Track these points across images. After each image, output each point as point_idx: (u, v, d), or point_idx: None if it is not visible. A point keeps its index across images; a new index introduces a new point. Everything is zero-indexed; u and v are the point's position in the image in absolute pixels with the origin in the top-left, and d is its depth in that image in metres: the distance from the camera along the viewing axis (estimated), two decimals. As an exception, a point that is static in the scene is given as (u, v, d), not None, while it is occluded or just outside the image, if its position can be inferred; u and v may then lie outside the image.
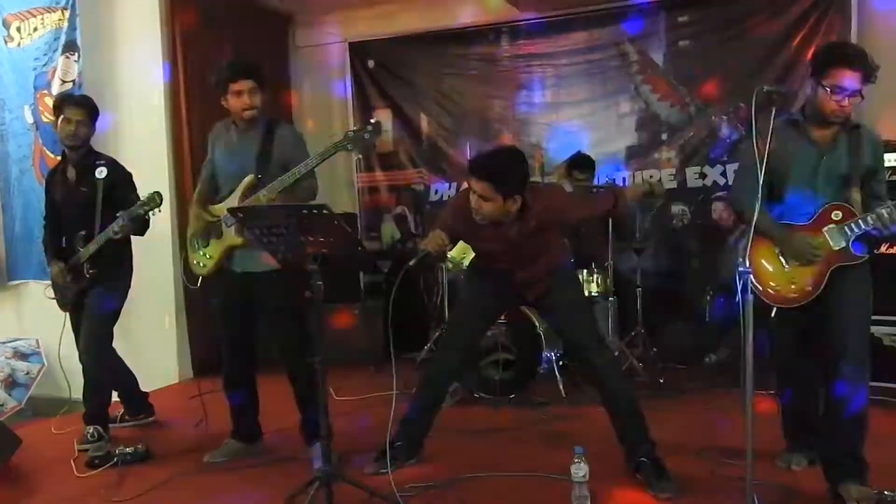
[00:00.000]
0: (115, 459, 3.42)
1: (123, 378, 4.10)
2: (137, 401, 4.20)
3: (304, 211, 2.58)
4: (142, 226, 3.67)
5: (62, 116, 3.67)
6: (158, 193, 3.50)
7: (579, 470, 2.71)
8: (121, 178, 3.74)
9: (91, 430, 3.68)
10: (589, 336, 3.07)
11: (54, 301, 3.90)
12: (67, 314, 3.90)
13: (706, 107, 5.31)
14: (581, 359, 3.14)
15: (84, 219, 3.66)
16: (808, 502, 2.71)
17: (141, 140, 5.12)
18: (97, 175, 3.60)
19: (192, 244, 3.48)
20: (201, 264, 3.42)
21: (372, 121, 3.17)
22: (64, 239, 3.82)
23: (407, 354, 5.67)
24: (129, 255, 3.85)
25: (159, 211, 3.55)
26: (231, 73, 3.25)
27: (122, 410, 4.14)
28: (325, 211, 2.51)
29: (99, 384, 3.77)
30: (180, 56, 5.27)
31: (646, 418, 3.00)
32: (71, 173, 3.77)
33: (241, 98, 3.24)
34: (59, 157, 5.08)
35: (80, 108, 3.69)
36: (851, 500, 2.55)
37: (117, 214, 3.51)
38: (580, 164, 4.93)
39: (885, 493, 2.53)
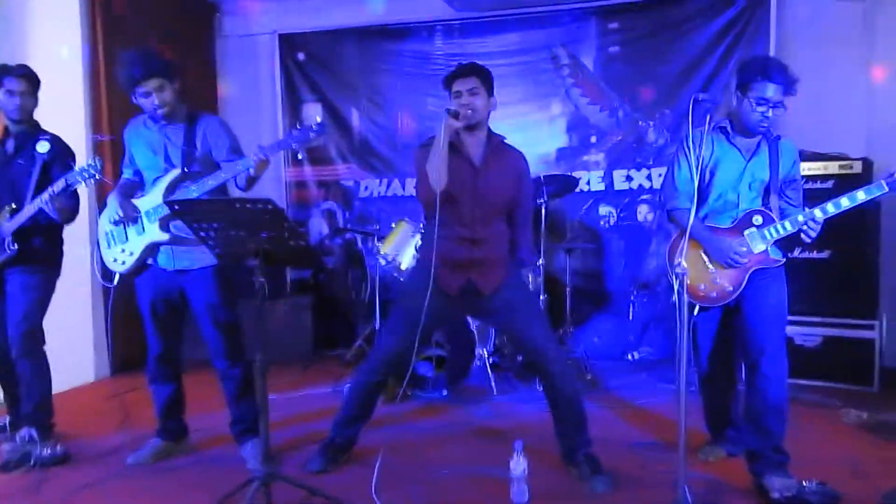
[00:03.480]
0: (32, 462, 3.24)
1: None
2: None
3: (248, 206, 2.50)
4: (73, 207, 3.46)
5: (3, 89, 3.44)
6: (95, 162, 3.26)
7: (518, 465, 2.75)
8: (62, 154, 3.51)
9: (24, 434, 3.39)
10: (547, 340, 3.02)
11: None
12: None
13: (634, 112, 5.47)
14: (537, 363, 3.03)
15: (15, 192, 3.43)
16: (734, 493, 2.83)
17: (56, 127, 4.85)
18: (38, 148, 3.41)
19: (107, 239, 3.31)
20: (119, 261, 3.26)
21: (318, 119, 3.09)
22: None
23: (335, 351, 5.65)
24: (59, 239, 3.61)
25: (95, 180, 3.28)
26: (133, 76, 3.07)
27: (9, 419, 3.77)
28: (269, 206, 2.45)
29: (32, 379, 3.47)
30: (101, 40, 5.03)
31: (587, 420, 3.05)
32: (10, 145, 3.53)
33: (149, 98, 3.09)
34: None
35: (22, 78, 3.47)
36: (774, 490, 2.68)
37: (53, 176, 3.29)
38: None
39: (804, 483, 2.67)
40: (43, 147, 3.43)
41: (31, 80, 3.51)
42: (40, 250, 3.49)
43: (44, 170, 3.43)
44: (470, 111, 2.89)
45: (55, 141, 3.53)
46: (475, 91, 2.93)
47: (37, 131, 3.55)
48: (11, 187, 3.46)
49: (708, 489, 2.85)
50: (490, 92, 2.99)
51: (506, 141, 3.08)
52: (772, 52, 4.96)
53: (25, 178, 3.42)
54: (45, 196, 3.29)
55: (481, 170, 2.96)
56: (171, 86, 3.13)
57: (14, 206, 3.42)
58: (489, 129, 3.04)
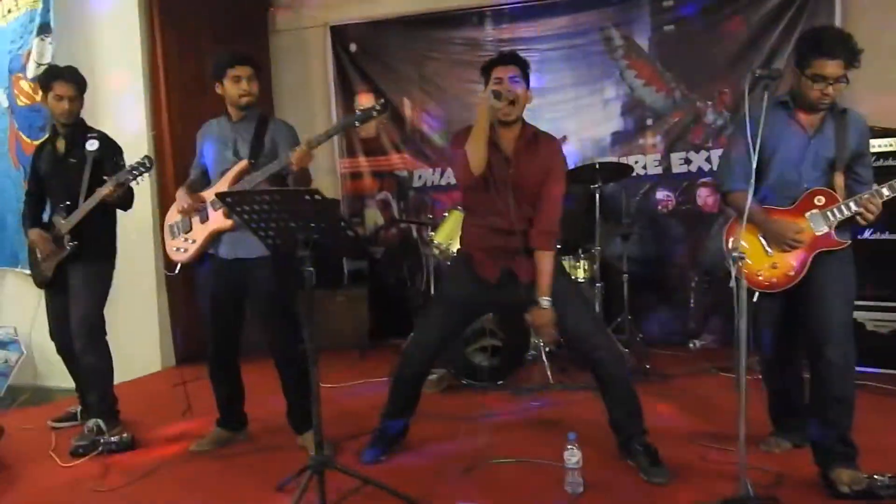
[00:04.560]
0: (100, 448, 3.37)
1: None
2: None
3: (296, 196, 2.53)
4: (128, 196, 3.58)
5: (52, 93, 3.58)
6: (149, 157, 3.41)
7: (573, 456, 2.71)
8: (110, 151, 3.64)
9: (91, 425, 3.51)
10: (592, 328, 2.97)
11: (32, 286, 3.78)
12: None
13: (691, 92, 5.30)
14: (584, 351, 2.97)
15: (69, 192, 3.56)
16: (799, 486, 2.72)
17: (119, 124, 5.01)
18: (88, 147, 3.52)
19: (172, 230, 3.42)
20: (182, 249, 3.35)
21: (380, 100, 3.14)
22: (47, 214, 3.70)
23: (391, 340, 5.68)
24: (113, 233, 3.73)
25: (145, 175, 3.42)
26: (231, 59, 3.23)
27: (79, 408, 3.94)
28: (317, 196, 2.46)
29: (96, 371, 3.61)
30: (159, 38, 5.16)
31: (642, 409, 2.98)
32: (60, 144, 3.67)
33: (239, 84, 3.22)
34: (34, 142, 5.00)
35: (70, 83, 3.60)
36: (843, 484, 2.56)
37: (104, 178, 3.41)
38: None
39: (876, 477, 2.54)
40: (92, 145, 3.54)
41: (78, 84, 3.64)
42: (97, 245, 3.62)
43: (94, 167, 3.54)
44: (511, 102, 2.85)
45: (103, 139, 3.64)
46: (516, 79, 2.90)
47: (85, 130, 3.67)
48: (66, 186, 3.59)
49: (771, 482, 2.75)
50: (527, 84, 2.95)
51: (540, 131, 3.02)
52: (837, 23, 4.73)
53: (78, 177, 3.53)
54: (104, 190, 3.39)
55: (514, 162, 2.94)
56: (256, 80, 3.28)
57: (69, 203, 3.55)
58: (523, 121, 3.00)
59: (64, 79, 3.60)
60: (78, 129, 3.66)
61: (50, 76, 3.64)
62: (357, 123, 3.13)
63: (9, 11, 5.20)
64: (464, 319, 3.25)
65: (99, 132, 3.67)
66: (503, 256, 2.98)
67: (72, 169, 3.58)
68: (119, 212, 3.71)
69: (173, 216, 3.42)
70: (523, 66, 2.94)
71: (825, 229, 2.73)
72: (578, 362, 4.28)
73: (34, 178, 3.79)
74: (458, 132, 3.03)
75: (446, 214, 4.55)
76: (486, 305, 3.31)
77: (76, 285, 3.59)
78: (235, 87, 3.22)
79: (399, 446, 3.26)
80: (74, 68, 3.70)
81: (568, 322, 2.93)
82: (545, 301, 2.90)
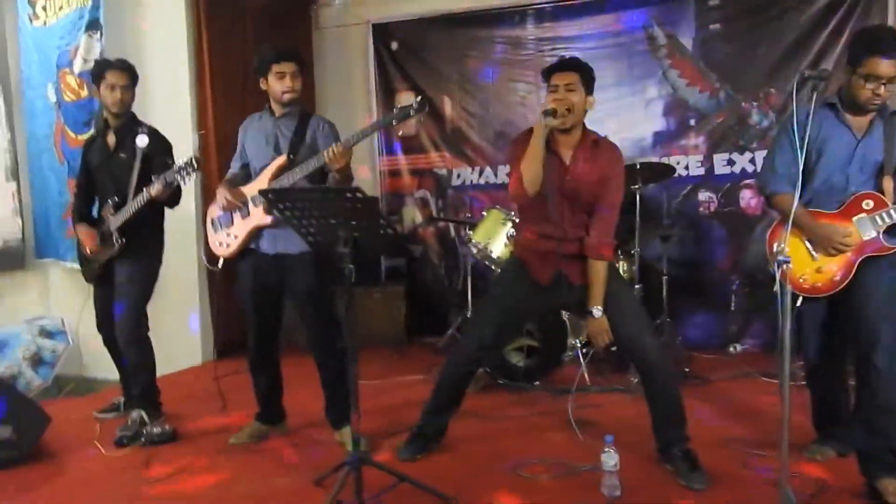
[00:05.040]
0: (143, 439, 3.44)
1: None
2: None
3: (337, 194, 2.55)
4: (177, 193, 3.62)
5: (104, 83, 3.60)
6: (196, 158, 3.40)
7: (610, 459, 2.69)
8: (160, 147, 3.66)
9: (135, 416, 3.58)
10: (643, 330, 2.95)
11: (79, 279, 3.85)
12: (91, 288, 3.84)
13: (736, 92, 5.21)
14: (633, 353, 2.99)
15: (118, 186, 3.60)
16: (843, 496, 2.66)
17: (165, 120, 5.09)
18: (138, 143, 3.52)
19: (214, 225, 3.46)
20: (224, 244, 3.40)
21: (419, 97, 3.11)
22: (95, 208, 3.76)
23: (427, 338, 5.69)
24: (161, 229, 3.77)
25: (195, 175, 3.41)
26: (276, 54, 3.24)
27: (123, 399, 4.00)
28: (358, 194, 2.48)
29: (139, 365, 3.68)
30: (205, 36, 5.24)
31: (685, 416, 2.95)
32: (111, 139, 3.69)
33: (283, 80, 3.23)
34: (79, 137, 5.11)
35: (123, 72, 3.63)
36: (890, 495, 2.50)
37: (153, 177, 3.42)
38: None
39: (923, 488, 2.48)
40: (142, 141, 3.53)
41: (130, 74, 3.66)
42: (144, 242, 3.64)
43: (144, 162, 3.55)
44: (567, 110, 2.82)
45: (153, 134, 3.65)
46: (572, 87, 2.85)
47: (135, 124, 3.67)
48: (115, 181, 3.63)
49: (814, 490, 2.69)
50: (589, 90, 2.91)
51: (601, 138, 2.99)
52: (891, 22, 4.60)
53: (127, 173, 3.55)
54: (153, 190, 3.40)
55: (571, 169, 2.91)
56: (300, 77, 3.28)
57: (116, 199, 3.59)
58: (584, 127, 2.97)
59: (116, 68, 3.63)
60: (129, 123, 3.67)
61: (102, 67, 3.66)
62: (394, 122, 3.09)
63: (60, 8, 5.33)
64: (516, 320, 3.27)
65: (150, 127, 3.67)
66: (555, 260, 2.97)
67: (122, 164, 3.60)
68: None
69: (215, 211, 3.45)
70: (582, 72, 2.89)
71: (873, 234, 2.67)
72: (625, 365, 4.25)
73: (84, 173, 3.81)
74: (517, 140, 3.01)
75: (484, 214, 4.54)
76: (538, 307, 3.32)
77: (122, 281, 3.63)
78: (279, 83, 3.23)
79: (436, 446, 3.27)
80: (125, 60, 3.73)
81: (617, 321, 2.92)
82: (597, 311, 2.90)
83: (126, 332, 3.62)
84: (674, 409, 2.93)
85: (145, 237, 3.65)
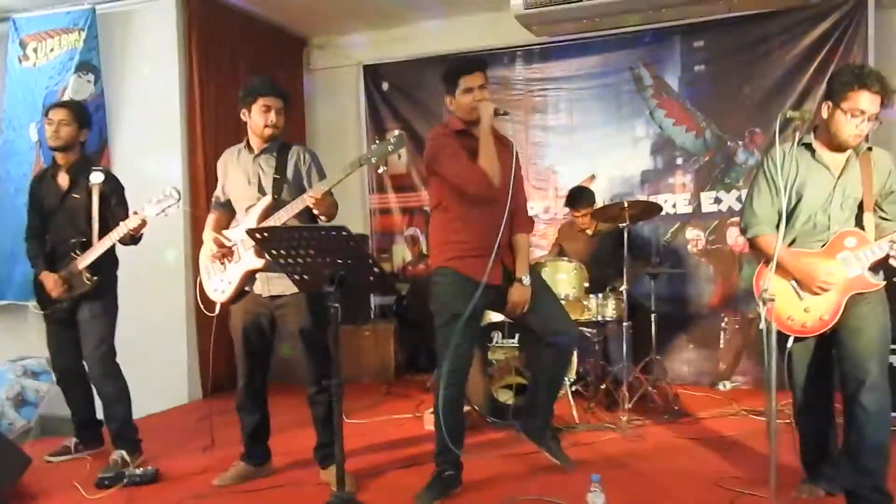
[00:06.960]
0: (125, 481, 3.38)
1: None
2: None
3: (323, 233, 2.56)
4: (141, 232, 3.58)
5: (46, 119, 3.64)
6: (176, 189, 3.44)
7: (597, 498, 2.66)
8: (116, 188, 3.66)
9: (116, 457, 3.54)
10: (563, 318, 3.16)
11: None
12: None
13: (722, 132, 5.29)
14: (549, 333, 3.11)
15: (74, 227, 3.59)
16: (832, 536, 2.64)
17: (157, 160, 5.14)
18: (93, 180, 3.53)
19: (206, 272, 3.44)
20: (220, 290, 3.36)
21: (396, 132, 3.10)
22: (51, 248, 3.70)
23: (417, 376, 5.66)
24: (116, 265, 3.76)
25: (173, 207, 3.45)
26: (263, 87, 3.26)
27: (75, 440, 3.90)
28: (343, 233, 2.49)
29: (117, 396, 3.66)
30: (196, 74, 5.30)
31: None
32: (63, 179, 3.67)
33: (268, 113, 3.24)
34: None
35: (62, 108, 3.66)
36: (877, 534, 2.49)
37: (134, 211, 3.42)
38: (574, 200, 4.96)
39: (912, 528, 2.46)
40: (97, 177, 3.56)
41: (70, 110, 3.66)
42: (106, 278, 3.65)
43: (101, 200, 3.56)
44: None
45: (107, 172, 3.67)
46: (485, 86, 3.01)
47: (89, 163, 3.70)
48: (72, 221, 3.61)
49: (803, 530, 2.67)
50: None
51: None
52: (871, 61, 4.71)
53: (85, 212, 3.56)
54: (127, 226, 3.42)
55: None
56: (284, 113, 3.31)
57: (83, 239, 3.57)
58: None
59: (57, 105, 3.69)
60: (81, 163, 3.67)
61: (48, 106, 3.72)
62: (373, 160, 3.03)
63: (51, 50, 5.37)
64: (478, 327, 3.36)
65: (102, 167, 3.69)
66: (500, 254, 3.04)
67: (77, 204, 3.60)
68: (154, 245, 3.75)
69: (205, 259, 3.42)
70: (484, 70, 3.05)
71: (858, 271, 2.68)
72: (615, 404, 4.24)
73: (35, 212, 3.74)
74: (442, 144, 3.08)
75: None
76: (489, 306, 3.33)
77: (86, 319, 3.62)
78: (263, 115, 3.24)
79: (457, 490, 3.13)
80: (76, 101, 3.77)
81: (540, 303, 3.10)
82: (526, 279, 3.08)
83: (101, 365, 3.62)
84: (555, 393, 3.28)
85: (106, 274, 3.65)
